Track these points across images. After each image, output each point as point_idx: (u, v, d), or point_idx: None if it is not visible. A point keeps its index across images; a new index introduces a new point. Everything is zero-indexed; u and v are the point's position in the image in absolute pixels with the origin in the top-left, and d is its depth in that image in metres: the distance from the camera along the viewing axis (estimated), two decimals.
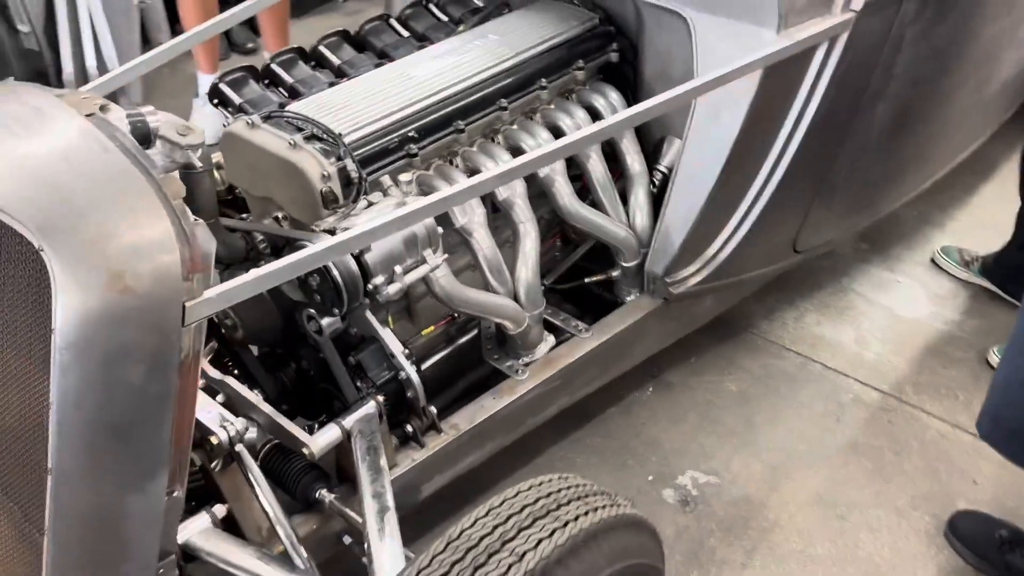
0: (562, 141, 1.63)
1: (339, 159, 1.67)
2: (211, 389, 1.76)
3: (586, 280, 2.25)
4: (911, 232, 2.91)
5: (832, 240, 2.53)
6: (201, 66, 3.69)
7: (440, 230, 1.70)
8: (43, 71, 4.04)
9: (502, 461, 2.14)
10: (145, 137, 1.42)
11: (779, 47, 1.80)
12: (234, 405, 1.75)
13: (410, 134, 1.80)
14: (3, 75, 3.31)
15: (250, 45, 4.41)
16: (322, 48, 2.09)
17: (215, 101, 1.97)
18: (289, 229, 1.67)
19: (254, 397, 1.70)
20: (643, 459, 2.18)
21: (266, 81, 2.03)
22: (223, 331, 1.81)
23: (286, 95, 2.00)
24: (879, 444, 2.20)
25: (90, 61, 3.91)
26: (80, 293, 1.15)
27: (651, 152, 2.27)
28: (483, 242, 1.87)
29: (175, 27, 4.39)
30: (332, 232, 1.59)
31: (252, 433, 1.59)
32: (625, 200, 2.18)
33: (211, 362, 1.89)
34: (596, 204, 2.13)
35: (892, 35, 2.01)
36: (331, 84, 1.96)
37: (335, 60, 2.08)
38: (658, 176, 2.22)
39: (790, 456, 2.17)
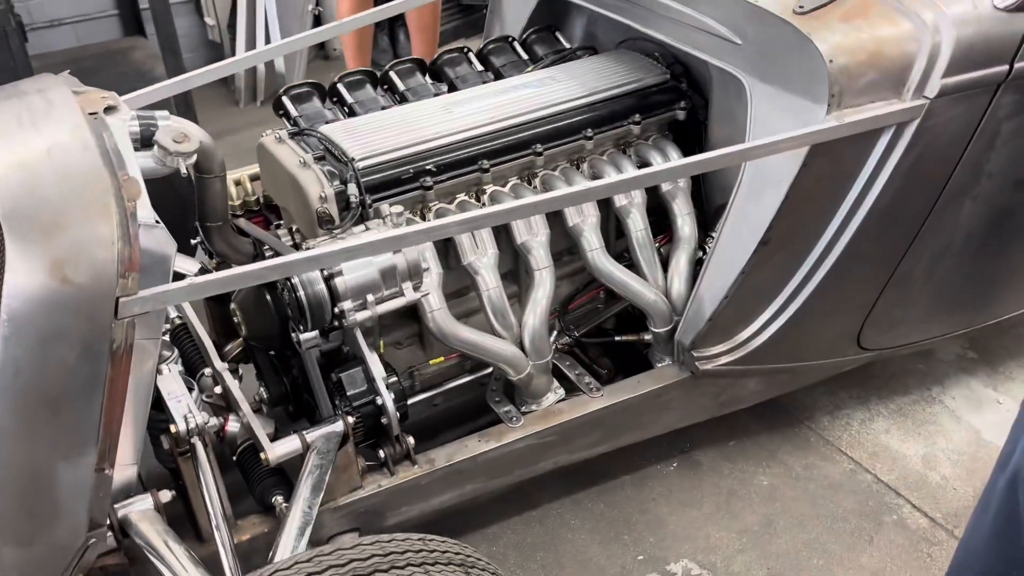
0: (570, 189, 1.59)
1: (343, 182, 1.71)
2: (214, 379, 1.86)
3: (616, 338, 2.17)
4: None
5: (916, 343, 2.28)
6: (350, 68, 3.90)
7: (428, 268, 1.70)
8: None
9: (493, 507, 2.11)
10: (150, 140, 1.53)
11: (826, 126, 1.66)
12: (226, 399, 1.84)
13: (427, 167, 1.82)
14: (177, 63, 3.66)
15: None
16: (392, 73, 2.15)
17: (280, 112, 2.08)
18: (281, 243, 1.73)
19: (239, 395, 1.77)
20: (640, 537, 2.06)
21: (334, 99, 2.12)
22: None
23: (345, 114, 2.08)
24: None
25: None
26: (25, 274, 1.26)
27: (710, 217, 2.16)
28: (489, 283, 1.85)
29: None
30: None
31: (213, 428, 1.66)
32: (668, 265, 2.08)
33: (231, 358, 2.01)
34: (633, 263, 2.05)
35: (982, 128, 1.79)
36: (382, 108, 2.02)
37: (400, 86, 2.13)
38: (710, 244, 2.10)
39: (800, 571, 1.98)
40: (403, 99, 2.12)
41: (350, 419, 1.73)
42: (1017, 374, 2.51)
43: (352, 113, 2.06)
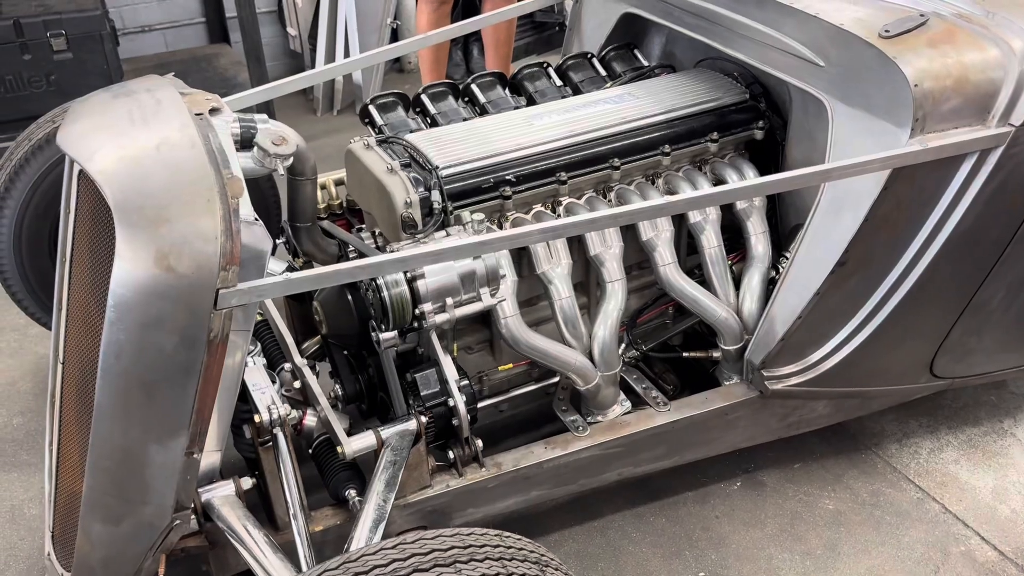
0: (647, 203, 1.62)
1: (428, 189, 1.77)
2: (293, 374, 1.93)
3: (684, 354, 2.18)
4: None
5: (990, 373, 2.24)
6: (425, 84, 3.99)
7: (505, 274, 1.74)
8: (302, 71, 4.57)
9: (556, 515, 2.13)
10: (250, 141, 1.61)
11: (909, 150, 1.66)
12: (305, 393, 1.91)
13: (507, 177, 1.86)
14: (260, 71, 3.79)
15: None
16: (473, 86, 2.21)
17: (365, 119, 2.15)
18: (366, 245, 1.79)
19: (317, 390, 1.84)
20: (702, 554, 2.06)
21: (418, 109, 2.19)
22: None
23: (428, 124, 2.14)
24: None
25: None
26: (131, 263, 1.34)
27: (784, 237, 2.16)
28: (561, 292, 1.89)
29: None
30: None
31: (293, 420, 1.72)
32: (740, 282, 2.09)
33: (308, 355, 2.07)
34: (705, 279, 2.07)
35: None
36: (465, 120, 2.08)
37: (482, 98, 2.19)
38: (784, 263, 2.10)
39: None
40: (483, 111, 2.18)
41: (423, 418, 1.77)
42: None
43: (434, 123, 2.12)
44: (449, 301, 1.69)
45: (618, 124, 1.99)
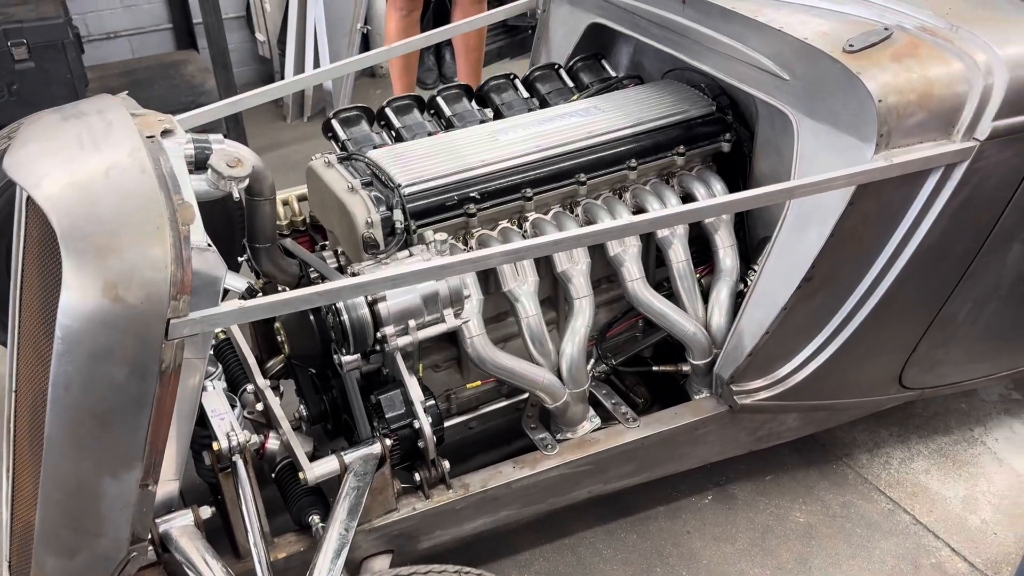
0: (614, 223, 1.60)
1: (389, 208, 1.74)
2: (256, 395, 1.90)
3: (654, 368, 2.16)
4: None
5: (959, 383, 2.24)
6: (395, 90, 3.95)
7: (469, 295, 1.72)
8: (271, 77, 4.53)
9: (526, 534, 2.11)
10: (204, 163, 1.57)
11: (873, 166, 1.65)
12: (267, 416, 1.87)
13: (472, 194, 1.83)
14: (227, 78, 3.74)
15: (455, 79, 4.66)
16: (439, 99, 2.18)
17: (328, 134, 2.12)
18: (325, 266, 1.76)
19: (279, 414, 1.80)
20: (672, 570, 2.05)
21: (382, 123, 2.16)
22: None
23: (393, 138, 2.11)
24: None
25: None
26: (79, 293, 1.30)
27: (752, 251, 2.15)
28: (528, 310, 1.87)
29: None
30: (355, 276, 1.66)
31: (253, 447, 1.69)
32: (708, 296, 2.08)
33: (272, 375, 2.04)
34: (673, 294, 2.05)
35: None
36: (429, 134, 2.05)
37: (447, 111, 2.16)
38: (751, 277, 2.09)
39: None
40: (449, 124, 2.15)
41: (387, 441, 1.74)
42: None
43: (399, 137, 2.09)
44: (412, 323, 1.66)
45: (584, 139, 1.96)
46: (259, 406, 1.88)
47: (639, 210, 2.02)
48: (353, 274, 1.67)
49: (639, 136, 2.02)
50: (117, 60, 4.27)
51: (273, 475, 1.84)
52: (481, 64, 3.99)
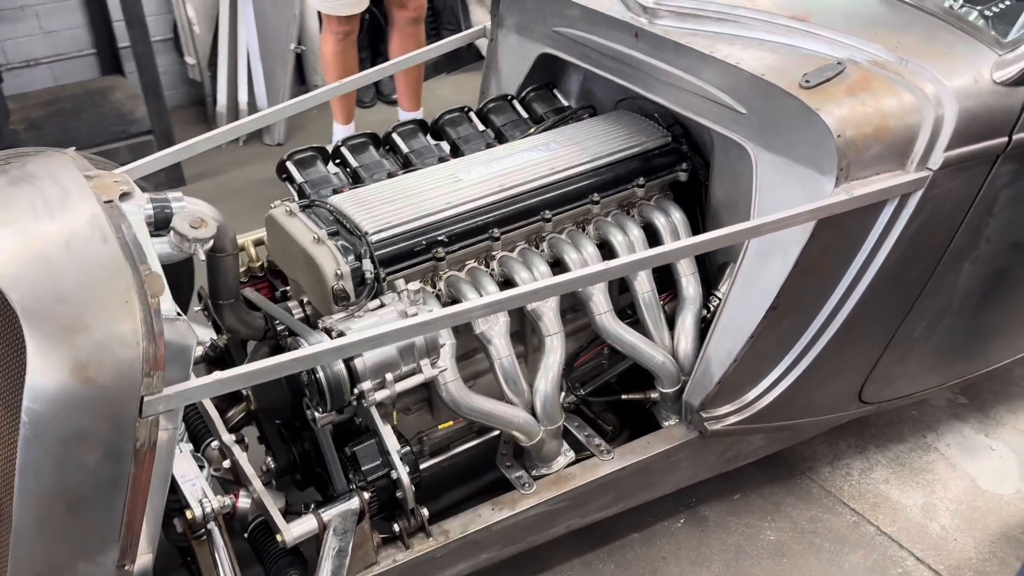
0: (596, 268, 1.60)
1: (358, 258, 1.71)
2: (221, 452, 1.84)
3: (623, 396, 2.17)
4: (1019, 394, 2.63)
5: (914, 394, 2.32)
6: (336, 116, 3.90)
7: (445, 340, 1.70)
8: (202, 100, 4.41)
9: (504, 571, 2.10)
10: (165, 223, 1.51)
11: (834, 200, 1.69)
12: (236, 473, 1.82)
13: (440, 238, 1.81)
14: (159, 106, 3.62)
15: (395, 96, 4.60)
16: (395, 136, 2.15)
17: (283, 176, 2.07)
18: (295, 321, 1.71)
19: (250, 472, 1.75)
20: None
21: (337, 161, 2.11)
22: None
23: (349, 176, 2.07)
24: None
25: (242, 97, 4.23)
26: (47, 376, 1.23)
27: (712, 275, 2.18)
28: (501, 351, 1.85)
29: None
30: (329, 332, 1.62)
31: (244, 509, 1.64)
32: (674, 323, 2.10)
33: (233, 424, 1.98)
34: (639, 323, 2.07)
35: (982, 196, 1.84)
36: (390, 174, 2.02)
37: (404, 148, 2.13)
38: (714, 302, 2.12)
39: None
40: (407, 161, 2.12)
41: (366, 495, 1.71)
42: (1007, 419, 2.56)
43: (356, 177, 2.06)
44: (389, 377, 1.63)
45: (547, 175, 1.96)
46: (226, 463, 1.83)
47: (603, 242, 2.03)
48: (326, 329, 1.63)
49: (600, 170, 2.03)
50: (39, 88, 4.09)
51: (246, 535, 1.78)
52: (421, 82, 3.97)
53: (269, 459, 1.91)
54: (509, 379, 1.88)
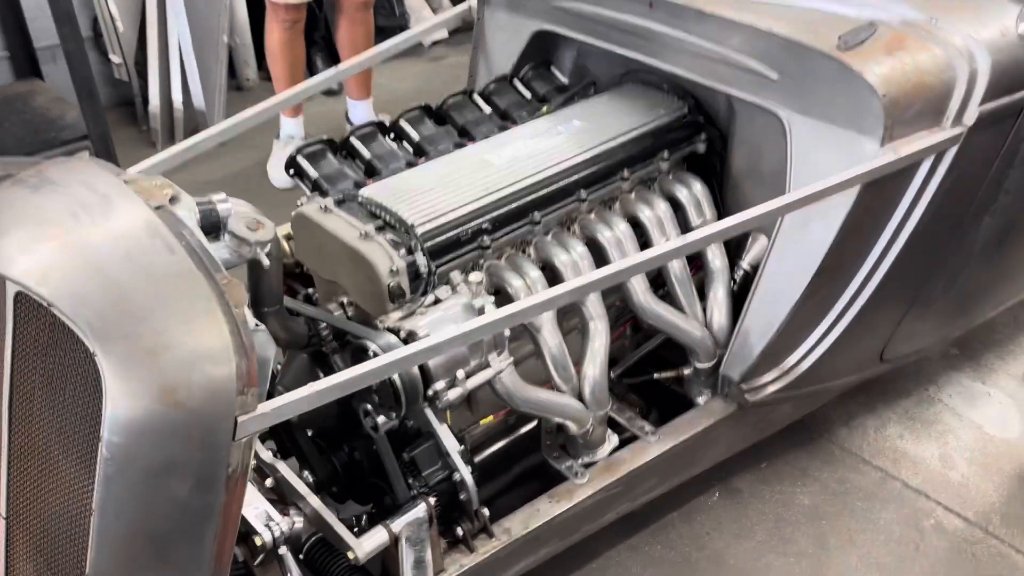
0: (647, 254, 1.55)
1: (409, 252, 1.61)
2: (261, 471, 1.72)
3: (655, 376, 2.14)
4: (1005, 340, 2.73)
5: (923, 349, 2.37)
6: (284, 110, 3.71)
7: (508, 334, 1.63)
8: (130, 101, 4.13)
9: (555, 563, 2.04)
10: (214, 227, 1.38)
11: (883, 161, 1.69)
12: (282, 490, 1.70)
13: (484, 225, 1.73)
14: (92, 105, 3.36)
15: (335, 87, 4.43)
16: (403, 123, 2.05)
17: (291, 172, 1.94)
18: (353, 323, 1.60)
19: (303, 488, 1.64)
20: (704, 575, 2.05)
21: (343, 153, 1.99)
22: None
23: (363, 170, 1.96)
24: None
25: (176, 95, 3.98)
26: (130, 404, 1.10)
27: (734, 247, 2.16)
28: (550, 339, 1.79)
29: (262, 63, 4.46)
30: (396, 332, 1.52)
31: (298, 529, 1.53)
32: (702, 295, 2.08)
33: (265, 440, 1.85)
34: (671, 299, 2.03)
35: (1006, 149, 1.88)
36: (409, 163, 1.91)
37: (415, 135, 2.03)
38: (739, 274, 2.11)
39: None
40: (419, 149, 2.02)
41: (431, 500, 1.62)
42: (998, 366, 2.66)
43: (371, 169, 1.94)
44: (460, 374, 1.54)
45: (577, 154, 1.90)
46: (267, 481, 1.71)
47: (631, 218, 1.98)
48: (391, 330, 1.53)
49: (626, 145, 1.97)
50: None
51: (301, 556, 1.67)
52: (371, 71, 3.82)
53: (307, 473, 1.79)
54: (559, 366, 1.81)
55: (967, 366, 2.65)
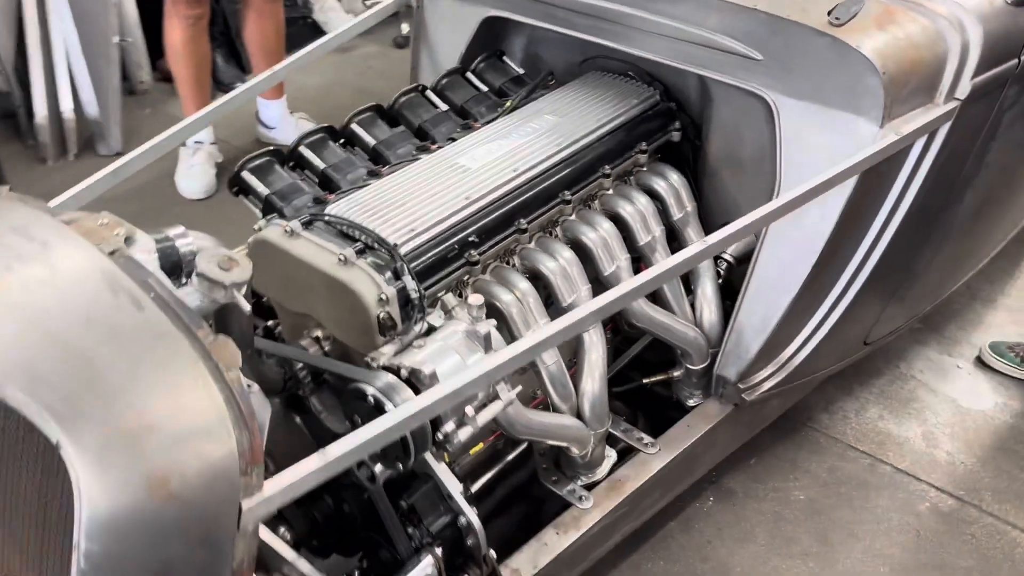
0: (653, 271, 1.40)
1: (396, 276, 1.42)
2: None
3: (645, 381, 2.02)
4: (963, 310, 2.73)
5: (899, 329, 2.33)
6: (189, 112, 3.41)
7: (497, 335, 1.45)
8: (11, 113, 3.73)
9: None
10: (175, 268, 1.17)
11: (885, 143, 1.60)
12: (262, 555, 1.49)
13: (471, 238, 1.56)
14: None
15: (238, 84, 4.12)
16: (354, 126, 1.84)
17: (235, 189, 1.71)
18: (343, 364, 1.40)
19: (288, 553, 1.43)
20: None
21: (290, 164, 1.78)
22: None
23: (316, 182, 1.75)
24: (967, 565, 2.00)
25: (65, 104, 3.61)
26: (110, 502, 0.89)
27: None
28: (548, 358, 1.63)
29: (156, 64, 4.12)
30: (394, 371, 1.33)
31: None
32: (687, 290, 1.96)
33: None
34: (659, 299, 1.91)
35: (991, 122, 1.82)
36: (370, 172, 1.72)
37: (369, 140, 1.83)
38: (722, 265, 2.00)
39: None
40: (376, 155, 1.82)
41: (437, 551, 1.45)
42: (960, 336, 2.65)
43: (327, 180, 1.74)
44: (470, 411, 1.37)
45: (558, 152, 1.74)
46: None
47: (613, 215, 1.83)
48: (388, 368, 1.33)
49: (605, 138, 1.83)
50: None
51: None
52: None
53: (283, 529, 1.58)
54: (557, 383, 1.66)
55: (931, 339, 2.64)
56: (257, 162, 1.70)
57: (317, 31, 4.58)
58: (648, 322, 1.82)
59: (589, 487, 1.78)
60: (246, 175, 1.68)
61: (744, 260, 2.02)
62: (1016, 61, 1.76)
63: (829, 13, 1.63)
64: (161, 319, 0.98)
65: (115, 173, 1.60)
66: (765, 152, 1.86)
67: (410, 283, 1.41)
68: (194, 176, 3.35)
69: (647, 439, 1.86)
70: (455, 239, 1.53)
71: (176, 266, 1.17)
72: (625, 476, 1.79)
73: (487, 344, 1.37)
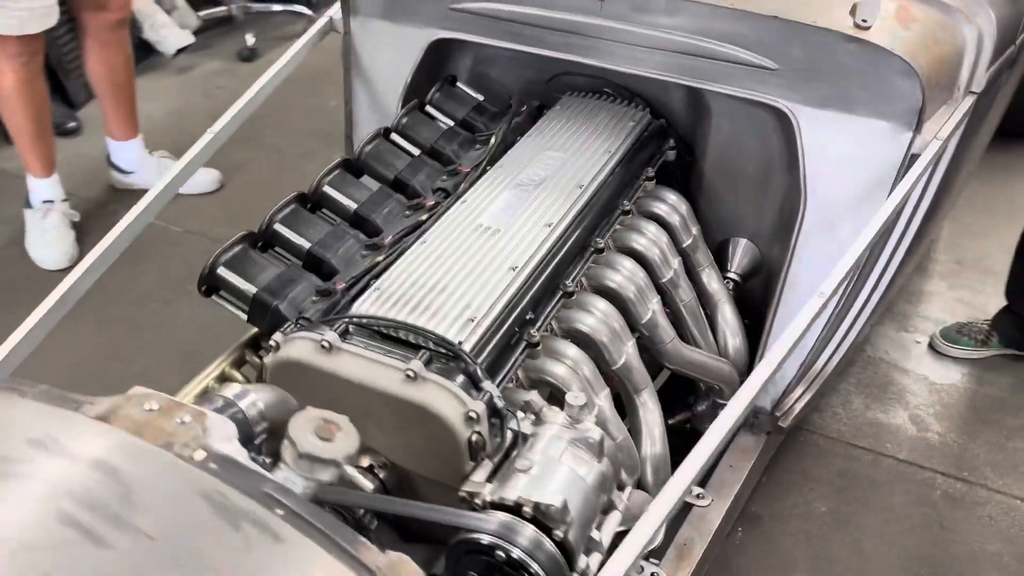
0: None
1: (474, 383, 1.16)
2: None
3: (670, 422, 1.85)
4: (904, 283, 2.77)
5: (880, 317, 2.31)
6: (32, 168, 2.89)
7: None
8: None
9: None
10: (248, 439, 0.88)
11: (931, 153, 1.51)
12: None
13: (527, 315, 1.32)
14: None
15: (71, 125, 3.56)
16: (327, 189, 1.55)
17: (203, 288, 1.38)
18: (439, 508, 1.12)
19: None
20: None
21: (261, 247, 1.46)
22: None
23: (299, 263, 1.45)
24: (995, 549, 2.00)
25: None
26: None
27: (715, 256, 1.92)
28: (616, 434, 1.43)
29: None
30: (510, 508, 1.07)
31: None
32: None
33: None
34: (686, 336, 1.75)
35: (983, 109, 1.79)
36: (368, 246, 1.44)
37: (349, 204, 1.54)
38: (729, 285, 1.87)
39: None
40: (359, 219, 1.54)
41: None
42: (910, 310, 2.69)
43: (312, 259, 1.44)
44: (596, 535, 1.14)
45: (580, 194, 1.53)
46: None
47: (628, 251, 1.64)
48: (501, 506, 1.08)
49: (617, 170, 1.64)
50: None
51: None
52: (135, 102, 3.09)
53: None
54: (626, 456, 1.46)
55: (885, 317, 2.65)
56: (230, 254, 1.38)
57: (149, 51, 4.05)
58: (682, 362, 1.66)
59: (648, 557, 1.60)
60: (223, 272, 1.35)
61: (750, 277, 1.91)
62: (1016, 47, 1.72)
63: (851, 15, 1.51)
64: (310, 549, 0.70)
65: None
66: (773, 164, 1.74)
67: (493, 390, 1.16)
68: (49, 243, 2.85)
69: (695, 489, 1.71)
70: (512, 319, 1.29)
71: (248, 438, 0.88)
72: (689, 539, 1.63)
73: (600, 451, 1.15)
